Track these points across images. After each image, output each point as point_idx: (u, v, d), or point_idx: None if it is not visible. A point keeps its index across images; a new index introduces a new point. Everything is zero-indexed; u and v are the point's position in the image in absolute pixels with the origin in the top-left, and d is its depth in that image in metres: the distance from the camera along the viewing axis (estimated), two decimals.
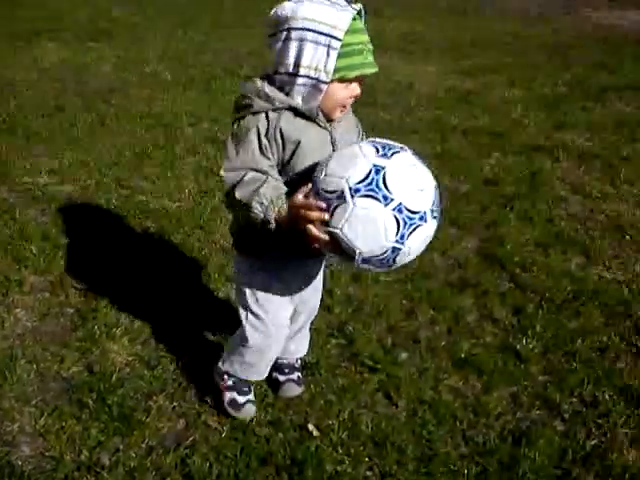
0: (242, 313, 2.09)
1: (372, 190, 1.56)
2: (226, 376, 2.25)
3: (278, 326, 2.10)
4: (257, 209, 1.69)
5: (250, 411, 2.24)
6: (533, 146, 4.91)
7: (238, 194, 1.73)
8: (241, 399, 2.24)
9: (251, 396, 2.27)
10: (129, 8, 10.17)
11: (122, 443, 2.14)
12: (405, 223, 1.58)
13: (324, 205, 1.59)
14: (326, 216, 1.60)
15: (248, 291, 2.04)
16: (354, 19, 1.69)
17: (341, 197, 1.58)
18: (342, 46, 1.67)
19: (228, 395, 2.25)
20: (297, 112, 1.76)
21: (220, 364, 2.26)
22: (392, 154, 1.61)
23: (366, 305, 2.91)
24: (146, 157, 4.45)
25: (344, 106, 1.82)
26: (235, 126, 1.80)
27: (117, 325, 2.68)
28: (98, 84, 6.18)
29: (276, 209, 1.68)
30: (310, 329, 2.41)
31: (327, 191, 1.60)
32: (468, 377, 2.50)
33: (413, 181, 1.61)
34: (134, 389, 2.35)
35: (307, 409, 2.30)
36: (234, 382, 2.24)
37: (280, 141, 1.76)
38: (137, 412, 2.25)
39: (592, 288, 3.07)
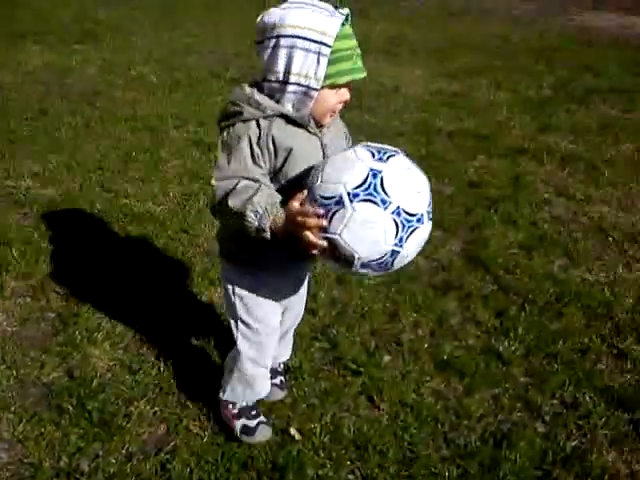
0: (232, 323, 2.06)
1: (370, 194, 1.55)
2: (230, 405, 2.19)
3: (269, 334, 2.07)
4: (251, 218, 1.66)
5: (265, 432, 2.19)
6: (518, 149, 4.94)
7: (231, 203, 1.69)
8: (252, 423, 2.19)
9: (261, 417, 2.22)
10: (114, 10, 10.13)
11: (102, 449, 2.13)
12: (404, 226, 1.58)
13: (322, 211, 1.58)
14: (324, 222, 1.58)
15: (237, 299, 2.00)
16: (342, 25, 1.68)
17: (339, 202, 1.56)
18: (332, 52, 1.66)
19: (239, 423, 2.18)
20: (288, 119, 1.75)
21: (221, 395, 2.19)
22: (388, 157, 1.61)
23: (350, 308, 2.91)
24: (131, 160, 4.43)
25: (334, 111, 1.81)
26: (225, 134, 1.77)
27: (99, 330, 2.67)
28: (83, 87, 6.15)
29: (271, 217, 1.66)
30: (294, 334, 2.40)
31: (324, 197, 1.59)
32: (450, 379, 2.51)
33: (410, 184, 1.62)
34: (115, 394, 2.34)
35: (289, 413, 2.30)
36: (240, 409, 2.19)
37: (272, 149, 1.74)
38: (117, 417, 2.24)
39: (574, 290, 3.09)
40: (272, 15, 1.69)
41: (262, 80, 1.76)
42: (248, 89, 1.76)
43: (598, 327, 2.85)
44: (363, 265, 1.63)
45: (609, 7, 12.10)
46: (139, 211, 3.70)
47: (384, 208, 1.55)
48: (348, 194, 1.56)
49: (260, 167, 1.74)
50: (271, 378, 2.34)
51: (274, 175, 1.78)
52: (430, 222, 1.66)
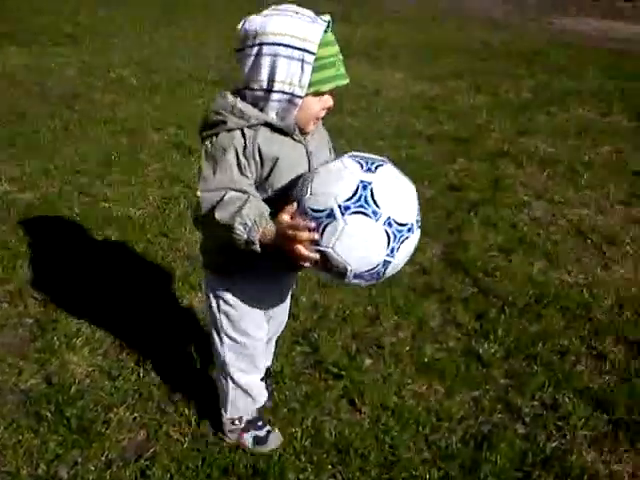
0: (216, 337, 2.02)
1: (362, 206, 1.56)
2: (237, 421, 2.15)
3: (256, 347, 2.05)
4: (240, 230, 1.65)
5: (276, 439, 2.17)
6: (497, 152, 4.98)
7: (218, 215, 1.67)
8: (262, 433, 2.17)
9: (268, 426, 2.20)
10: (94, 12, 10.06)
11: (81, 456, 2.10)
12: (395, 236, 1.59)
13: (313, 225, 1.58)
14: (316, 236, 1.58)
15: (223, 315, 1.97)
16: (325, 31, 1.67)
17: (331, 215, 1.57)
18: (315, 60, 1.66)
19: (249, 436, 2.15)
20: (273, 128, 1.73)
21: (225, 415, 2.15)
22: (376, 167, 1.62)
23: (331, 312, 2.91)
24: (110, 164, 4.40)
25: (318, 118, 1.81)
26: (208, 144, 1.74)
27: (77, 335, 2.64)
28: (62, 89, 6.10)
29: (260, 230, 1.64)
30: (276, 340, 2.39)
31: (315, 210, 1.59)
32: (431, 382, 2.52)
33: (399, 193, 1.63)
34: (94, 401, 2.32)
35: (270, 417, 2.29)
36: (247, 422, 2.15)
37: (258, 158, 1.72)
38: (97, 424, 2.22)
39: (553, 292, 3.12)
40: (253, 22, 1.67)
41: (244, 88, 1.73)
42: (231, 98, 1.73)
43: (577, 328, 2.88)
44: (356, 276, 1.64)
45: (588, 11, 12.24)
46: (118, 215, 3.67)
47: (375, 220, 1.56)
48: (339, 207, 1.56)
49: (247, 177, 1.72)
50: None
51: (260, 184, 1.76)
52: (419, 230, 1.68)
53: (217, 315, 1.98)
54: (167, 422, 2.25)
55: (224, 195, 1.68)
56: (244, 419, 2.15)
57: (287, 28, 1.64)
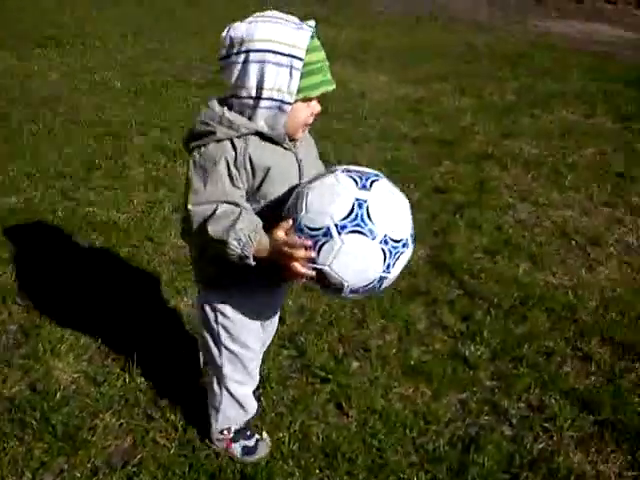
0: (214, 350, 1.99)
1: (358, 225, 1.57)
2: (225, 431, 2.13)
3: (253, 358, 2.05)
4: (234, 246, 1.63)
5: (265, 447, 2.17)
6: (482, 154, 5.00)
7: (211, 230, 1.65)
8: (251, 442, 2.15)
9: (257, 435, 2.19)
10: (79, 14, 9.99)
11: (67, 463, 2.09)
12: (391, 253, 1.61)
13: (309, 243, 1.59)
14: (313, 254, 1.59)
15: (221, 328, 1.94)
16: (311, 37, 1.66)
17: (327, 234, 1.57)
18: (303, 65, 1.65)
19: (237, 446, 2.14)
20: (264, 137, 1.71)
21: (215, 426, 2.13)
22: (371, 184, 1.62)
23: (318, 315, 2.91)
24: (94, 167, 4.36)
25: (306, 124, 1.80)
26: (197, 155, 1.71)
27: (62, 341, 2.61)
28: (45, 92, 6.04)
29: (254, 244, 1.63)
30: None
31: (311, 228, 1.59)
32: (418, 385, 2.52)
33: (394, 210, 1.64)
34: (79, 407, 2.30)
35: (258, 422, 2.28)
36: (235, 432, 2.13)
37: (250, 169, 1.70)
38: (82, 431, 2.20)
39: (539, 294, 3.14)
40: (238, 30, 1.66)
41: (231, 96, 1.71)
42: (218, 107, 1.71)
43: (562, 330, 2.90)
44: (352, 291, 1.67)
45: (571, 13, 12.35)
46: (102, 220, 3.64)
47: (372, 238, 1.58)
48: (336, 226, 1.57)
49: (238, 189, 1.71)
50: None
51: (252, 195, 1.75)
52: (413, 244, 1.70)
53: (215, 327, 1.95)
54: (154, 428, 2.24)
55: (216, 209, 1.66)
56: (232, 429, 2.13)
57: (274, 34, 1.63)
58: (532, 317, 2.96)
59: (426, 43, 9.31)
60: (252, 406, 2.14)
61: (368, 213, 1.57)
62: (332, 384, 2.49)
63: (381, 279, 1.65)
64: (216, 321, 1.94)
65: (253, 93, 1.67)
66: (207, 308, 1.95)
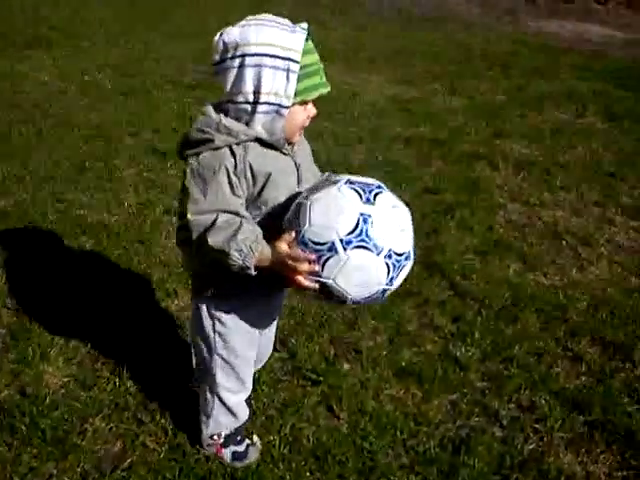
0: (207, 357, 1.97)
1: (363, 240, 1.57)
2: (215, 437, 2.11)
3: (247, 366, 2.03)
4: (236, 257, 1.62)
5: (255, 452, 2.16)
6: (473, 154, 5.01)
7: (212, 241, 1.63)
8: (241, 448, 2.14)
9: (247, 440, 2.18)
10: (69, 14, 9.95)
11: (56, 468, 2.08)
12: (394, 266, 1.62)
13: (314, 257, 1.58)
14: (317, 268, 1.59)
15: (217, 336, 1.92)
16: (305, 39, 1.65)
17: (332, 249, 1.57)
18: (299, 69, 1.64)
19: (227, 452, 2.13)
20: (263, 143, 1.69)
21: (205, 431, 2.11)
22: (375, 197, 1.62)
23: (309, 317, 2.90)
24: (84, 169, 4.34)
25: (303, 127, 1.79)
26: (194, 163, 1.68)
27: (52, 345, 2.60)
28: (35, 94, 6.01)
29: (256, 254, 1.63)
30: None
31: (315, 242, 1.59)
32: (409, 386, 2.52)
33: (397, 224, 1.64)
34: (69, 411, 2.29)
35: (248, 425, 2.27)
36: (225, 437, 2.12)
37: (250, 176, 1.68)
38: (72, 435, 2.19)
39: (529, 294, 3.15)
40: (231, 34, 1.64)
41: (227, 102, 1.69)
42: (214, 114, 1.69)
43: (553, 330, 2.90)
44: (354, 302, 1.69)
45: (562, 14, 12.38)
46: (92, 222, 3.62)
47: (377, 253, 1.59)
48: (341, 241, 1.57)
49: (239, 197, 1.69)
50: None
51: (252, 202, 1.73)
52: (415, 255, 1.71)
53: (211, 335, 1.93)
54: (143, 432, 2.23)
55: (216, 218, 1.64)
56: (223, 434, 2.12)
57: (270, 38, 1.62)
58: (523, 317, 2.96)
59: (417, 44, 9.31)
60: (244, 413, 2.13)
61: (373, 228, 1.58)
62: (323, 386, 2.49)
63: (384, 291, 1.67)
64: (213, 329, 1.92)
65: (250, 98, 1.65)
66: (204, 316, 1.92)
